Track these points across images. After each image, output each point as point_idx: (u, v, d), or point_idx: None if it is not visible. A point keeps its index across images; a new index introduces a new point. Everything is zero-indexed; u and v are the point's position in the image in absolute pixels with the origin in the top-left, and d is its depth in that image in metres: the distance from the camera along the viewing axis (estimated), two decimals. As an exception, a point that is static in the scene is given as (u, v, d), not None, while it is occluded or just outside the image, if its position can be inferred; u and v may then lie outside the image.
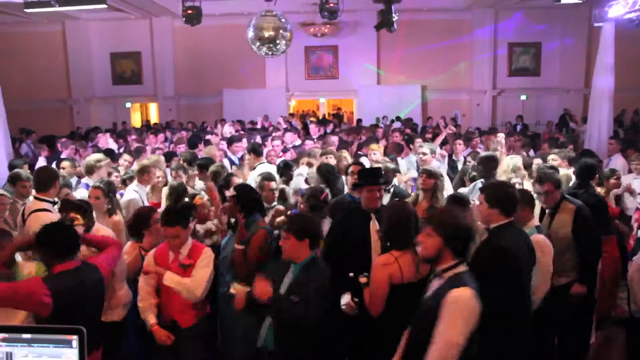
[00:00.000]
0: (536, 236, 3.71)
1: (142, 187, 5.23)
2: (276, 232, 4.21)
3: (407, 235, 3.27)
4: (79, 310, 2.97)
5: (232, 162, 7.91)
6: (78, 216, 3.69)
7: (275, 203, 5.03)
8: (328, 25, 16.15)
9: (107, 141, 10.09)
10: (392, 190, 5.43)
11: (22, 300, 2.85)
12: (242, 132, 11.65)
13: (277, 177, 5.71)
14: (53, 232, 3.06)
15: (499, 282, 3.12)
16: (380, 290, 3.21)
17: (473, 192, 5.15)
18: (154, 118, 20.26)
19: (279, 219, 4.60)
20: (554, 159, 6.01)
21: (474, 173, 5.68)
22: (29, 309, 2.95)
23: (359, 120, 15.78)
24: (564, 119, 16.80)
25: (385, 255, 3.28)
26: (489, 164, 5.28)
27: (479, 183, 5.25)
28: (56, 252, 3.03)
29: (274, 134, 8.99)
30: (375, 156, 6.73)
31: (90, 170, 5.63)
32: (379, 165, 6.08)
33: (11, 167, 7.02)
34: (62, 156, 8.12)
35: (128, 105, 19.63)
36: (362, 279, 3.29)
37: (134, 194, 5.13)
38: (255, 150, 6.96)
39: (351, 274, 3.34)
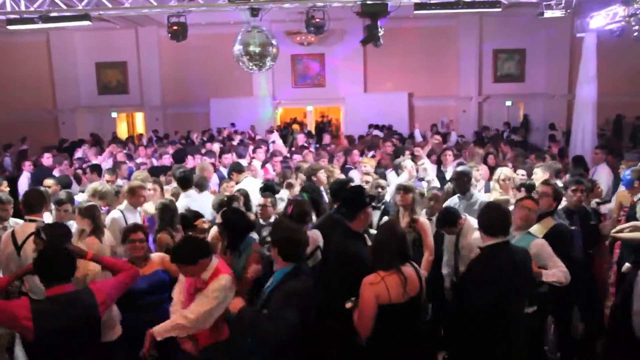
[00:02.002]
0: (536, 241, 3.82)
1: (131, 209, 5.16)
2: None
3: (391, 256, 3.28)
4: (65, 336, 2.97)
5: (221, 177, 7.86)
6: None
7: (271, 220, 5.00)
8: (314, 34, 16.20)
9: (97, 156, 9.99)
10: (382, 207, 5.46)
11: (6, 321, 2.94)
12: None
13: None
14: (45, 257, 3.08)
15: (469, 300, 3.24)
16: (367, 310, 3.20)
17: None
18: (140, 128, 20.15)
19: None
20: (536, 172, 6.04)
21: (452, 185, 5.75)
22: (14, 329, 3.05)
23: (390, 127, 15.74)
24: (526, 122, 17.35)
25: (372, 275, 3.26)
26: (462, 179, 5.30)
27: (455, 198, 5.36)
28: (46, 276, 3.04)
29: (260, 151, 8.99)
30: (365, 169, 6.74)
31: (94, 195, 5.56)
32: (369, 180, 6.16)
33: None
34: (55, 173, 8.03)
35: (114, 115, 19.49)
36: (348, 305, 3.29)
37: (117, 214, 5.06)
38: (236, 169, 6.98)
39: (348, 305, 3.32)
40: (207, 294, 3.30)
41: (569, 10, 8.29)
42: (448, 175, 7.30)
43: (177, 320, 3.31)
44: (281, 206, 5.57)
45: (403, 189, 4.76)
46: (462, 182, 5.27)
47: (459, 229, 4.37)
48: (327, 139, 12.79)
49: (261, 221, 5.04)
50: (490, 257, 3.26)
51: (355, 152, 8.59)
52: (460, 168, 5.63)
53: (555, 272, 3.63)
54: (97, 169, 7.94)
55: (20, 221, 4.67)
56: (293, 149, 10.93)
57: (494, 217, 3.31)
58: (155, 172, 7.64)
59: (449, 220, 4.35)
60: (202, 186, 6.14)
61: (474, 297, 3.22)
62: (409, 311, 3.26)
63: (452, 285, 4.50)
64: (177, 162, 8.66)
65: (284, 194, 6.00)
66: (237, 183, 6.67)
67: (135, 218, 5.13)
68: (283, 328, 3.00)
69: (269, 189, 5.61)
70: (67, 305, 3.00)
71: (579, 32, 10.05)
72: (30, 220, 4.34)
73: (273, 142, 11.95)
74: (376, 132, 15.01)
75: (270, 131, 14.01)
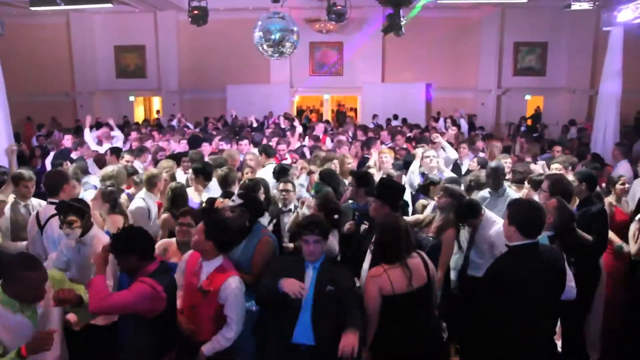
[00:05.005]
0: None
1: (151, 196, 5.15)
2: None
3: (396, 252, 3.28)
4: (173, 303, 3.18)
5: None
6: (76, 219, 3.65)
7: (291, 206, 4.97)
8: (333, 22, 16.06)
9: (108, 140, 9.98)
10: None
11: (151, 301, 2.99)
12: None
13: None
14: (137, 237, 3.16)
15: (494, 302, 3.17)
16: (371, 302, 3.24)
17: (481, 202, 5.14)
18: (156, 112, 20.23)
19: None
20: (557, 168, 5.91)
21: (472, 178, 5.64)
22: (151, 307, 3.03)
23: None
24: (538, 116, 17.36)
25: (374, 268, 3.30)
26: (498, 175, 5.19)
27: (486, 193, 5.25)
28: (145, 254, 3.14)
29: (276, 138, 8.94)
30: (386, 159, 6.64)
31: (104, 180, 5.58)
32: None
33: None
34: (73, 155, 8.08)
35: (131, 98, 19.62)
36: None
37: (140, 202, 5.04)
38: (267, 151, 7.04)
39: None
40: (230, 304, 3.21)
41: (597, 3, 8.10)
42: (464, 169, 7.25)
43: (221, 343, 3.22)
44: (301, 192, 5.58)
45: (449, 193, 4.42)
46: (498, 178, 5.14)
47: (479, 220, 4.27)
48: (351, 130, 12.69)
49: (282, 207, 4.97)
50: (522, 257, 3.17)
51: (378, 143, 8.45)
52: (494, 163, 5.50)
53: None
54: (116, 152, 7.96)
55: (43, 202, 4.71)
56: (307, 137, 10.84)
57: (535, 217, 3.20)
58: (176, 158, 7.58)
59: (474, 212, 4.21)
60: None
61: (499, 296, 3.14)
62: (415, 300, 3.27)
63: (464, 280, 4.38)
64: (192, 147, 8.63)
65: (303, 180, 5.99)
66: (263, 166, 6.68)
67: (155, 204, 5.16)
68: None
69: (283, 171, 5.60)
70: (169, 274, 3.23)
71: (605, 26, 9.77)
72: (52, 203, 4.33)
73: (292, 128, 11.85)
74: (395, 122, 14.96)
75: (287, 117, 13.98)
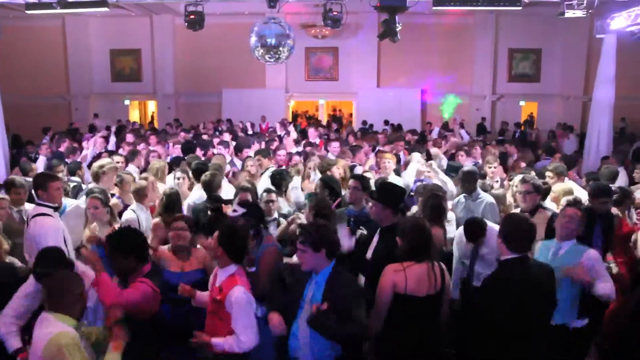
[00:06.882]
0: (591, 253, 3.69)
1: (141, 207, 5.06)
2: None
3: (423, 249, 3.30)
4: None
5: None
6: None
7: (275, 215, 5.01)
8: (329, 28, 16.10)
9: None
10: None
11: (152, 302, 3.10)
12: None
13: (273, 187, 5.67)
14: (134, 237, 3.24)
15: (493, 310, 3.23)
16: (382, 294, 3.24)
17: (457, 206, 5.25)
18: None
19: (292, 227, 4.59)
20: (549, 176, 5.95)
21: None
22: (151, 307, 3.11)
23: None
24: (531, 122, 17.61)
25: (396, 264, 3.29)
26: (470, 179, 5.24)
27: (461, 198, 5.30)
28: (142, 255, 3.22)
29: (275, 144, 8.95)
30: (389, 164, 6.60)
31: (96, 176, 5.57)
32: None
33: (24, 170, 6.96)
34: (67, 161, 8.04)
35: (127, 102, 19.57)
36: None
37: (131, 214, 4.95)
38: (263, 154, 7.02)
39: None
40: (237, 315, 3.11)
41: (590, 11, 8.19)
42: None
43: (232, 346, 3.09)
44: (297, 194, 5.59)
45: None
46: (471, 182, 5.20)
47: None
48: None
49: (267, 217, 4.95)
50: (509, 271, 3.23)
51: (363, 150, 8.43)
52: (466, 168, 5.56)
53: (606, 286, 3.55)
54: (112, 155, 7.92)
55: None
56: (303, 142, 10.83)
57: (518, 232, 3.24)
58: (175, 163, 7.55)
59: (482, 230, 4.17)
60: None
61: (489, 309, 3.24)
62: (424, 306, 3.26)
63: (469, 292, 4.35)
64: (186, 153, 8.59)
65: (296, 182, 6.01)
66: (265, 169, 6.67)
67: (146, 214, 5.09)
68: (365, 326, 3.10)
69: (280, 175, 5.63)
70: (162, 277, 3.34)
71: (598, 33, 9.88)
72: (38, 204, 4.33)
73: (287, 133, 11.88)
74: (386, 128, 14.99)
75: (283, 123, 13.99)
